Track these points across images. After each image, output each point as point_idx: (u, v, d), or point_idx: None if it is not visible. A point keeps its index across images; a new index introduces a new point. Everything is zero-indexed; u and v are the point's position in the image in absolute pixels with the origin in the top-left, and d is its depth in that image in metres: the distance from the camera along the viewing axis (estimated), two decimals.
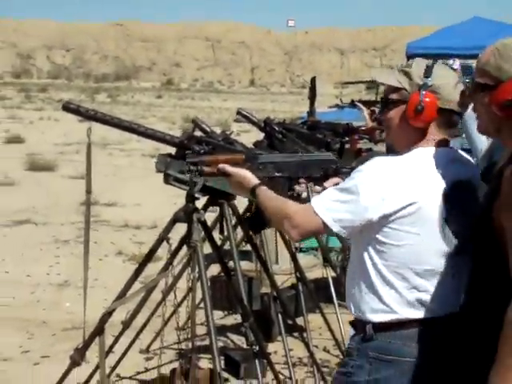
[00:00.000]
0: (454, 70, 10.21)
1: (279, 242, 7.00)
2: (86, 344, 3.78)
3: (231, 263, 4.57)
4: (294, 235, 2.62)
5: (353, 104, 7.71)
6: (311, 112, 5.65)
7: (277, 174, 3.17)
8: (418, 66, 2.61)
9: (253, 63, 64.34)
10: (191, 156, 3.23)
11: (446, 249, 2.55)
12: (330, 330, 5.56)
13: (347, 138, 5.21)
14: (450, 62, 10.57)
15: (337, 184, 2.87)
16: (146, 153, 17.99)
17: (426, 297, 2.56)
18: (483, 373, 2.28)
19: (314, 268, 7.45)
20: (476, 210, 2.55)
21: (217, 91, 50.63)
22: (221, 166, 3.01)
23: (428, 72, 2.57)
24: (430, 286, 2.56)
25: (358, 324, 2.68)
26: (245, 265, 6.54)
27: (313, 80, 5.76)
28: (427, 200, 2.50)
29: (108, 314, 3.71)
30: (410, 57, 14.58)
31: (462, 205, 2.57)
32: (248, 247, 5.99)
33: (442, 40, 13.80)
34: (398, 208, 2.48)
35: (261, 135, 4.97)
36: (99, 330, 3.67)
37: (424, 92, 2.54)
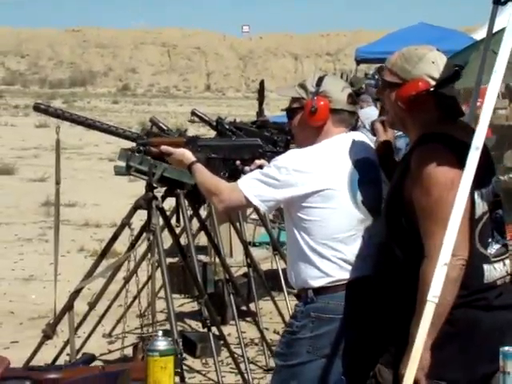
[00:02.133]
0: None
1: (233, 237, 7.43)
2: (57, 319, 4.18)
3: None
4: (220, 208, 3.19)
5: None
6: (260, 112, 6.09)
7: (213, 155, 3.64)
8: (312, 79, 3.19)
9: (208, 68, 64.61)
10: (141, 139, 3.74)
11: (361, 216, 3.09)
12: (280, 314, 6.00)
13: None
14: None
15: (261, 165, 3.43)
16: (103, 156, 18.28)
17: (353, 258, 3.07)
18: (404, 322, 2.77)
19: (266, 260, 7.88)
20: (380, 181, 3.12)
21: (173, 96, 50.67)
22: (163, 147, 3.48)
23: (319, 82, 3.14)
24: (354, 249, 3.08)
25: (301, 292, 3.18)
26: (201, 258, 6.96)
27: (261, 83, 6.23)
28: (336, 178, 3.05)
29: (76, 292, 4.13)
30: (359, 61, 15.07)
31: (369, 178, 3.12)
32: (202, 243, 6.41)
33: (389, 45, 14.20)
34: (311, 189, 3.02)
35: (213, 135, 5.38)
36: (69, 307, 4.09)
37: (316, 97, 3.09)
